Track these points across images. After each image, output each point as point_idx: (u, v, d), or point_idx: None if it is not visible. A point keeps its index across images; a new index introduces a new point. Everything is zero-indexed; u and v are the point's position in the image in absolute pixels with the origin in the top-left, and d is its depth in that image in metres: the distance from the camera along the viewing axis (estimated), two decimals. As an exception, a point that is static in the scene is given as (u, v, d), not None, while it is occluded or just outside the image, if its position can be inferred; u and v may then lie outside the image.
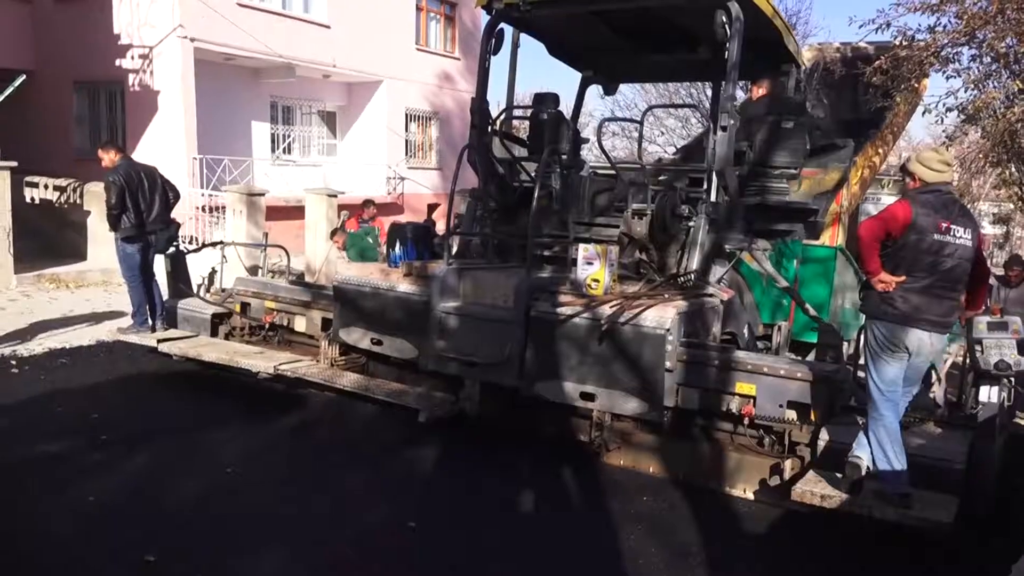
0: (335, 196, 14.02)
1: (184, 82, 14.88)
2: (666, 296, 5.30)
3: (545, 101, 7.07)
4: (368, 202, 13.06)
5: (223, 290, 7.66)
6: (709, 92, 12.92)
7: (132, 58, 15.23)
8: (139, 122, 15.32)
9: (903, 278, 3.98)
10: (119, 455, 5.16)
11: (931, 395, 6.27)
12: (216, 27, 15.05)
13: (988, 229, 28.91)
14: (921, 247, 3.93)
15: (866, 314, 4.26)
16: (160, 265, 7.57)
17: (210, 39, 15.15)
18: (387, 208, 18.88)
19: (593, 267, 5.35)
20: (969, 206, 15.15)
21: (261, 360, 6.40)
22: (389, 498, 4.79)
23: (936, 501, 4.09)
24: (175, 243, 7.68)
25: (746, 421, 4.87)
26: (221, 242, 8.91)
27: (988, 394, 4.42)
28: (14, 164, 11.61)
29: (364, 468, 5.25)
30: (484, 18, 7.35)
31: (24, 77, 12.77)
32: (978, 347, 4.37)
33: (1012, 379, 4.48)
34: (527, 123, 7.49)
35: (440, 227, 10.82)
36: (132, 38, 15.12)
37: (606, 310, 4.98)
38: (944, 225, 3.93)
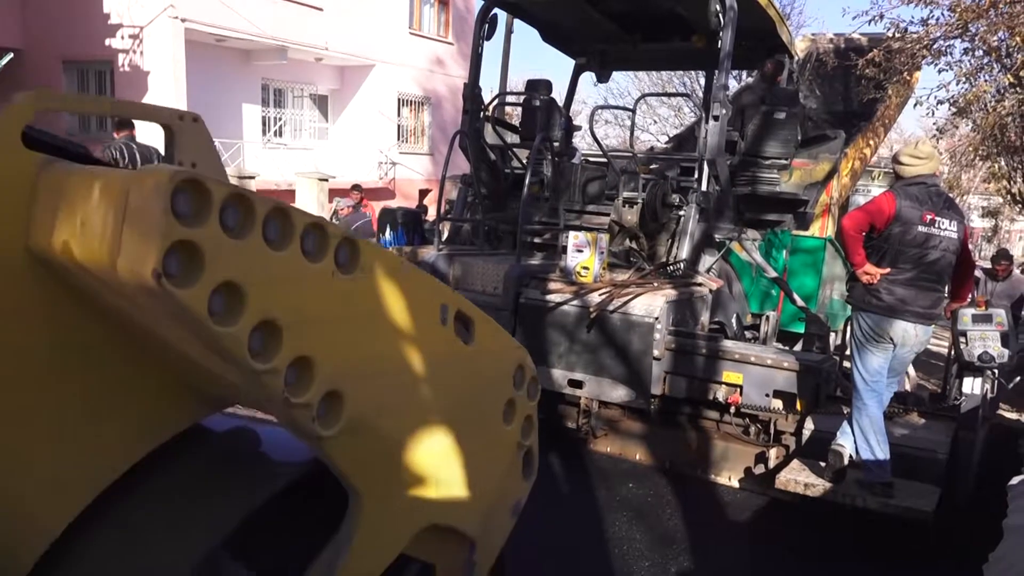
0: (326, 180, 14.00)
1: (174, 63, 14.76)
2: (655, 285, 5.31)
3: (538, 88, 7.05)
4: (356, 187, 13.05)
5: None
6: (702, 81, 12.91)
7: (122, 38, 15.09)
8: (129, 103, 15.20)
9: (888, 270, 4.01)
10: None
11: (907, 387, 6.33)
12: (208, 8, 14.92)
13: (977, 222, 29.09)
14: (906, 239, 3.95)
15: (852, 305, 4.29)
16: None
17: (201, 20, 15.03)
18: (378, 193, 18.83)
19: (583, 255, 5.36)
20: (958, 199, 15.24)
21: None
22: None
23: (918, 491, 4.13)
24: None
25: (732, 410, 4.90)
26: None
27: (971, 386, 4.46)
28: (1, 143, 11.50)
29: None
30: (478, 3, 7.32)
31: (11, 55, 12.64)
32: (962, 339, 4.40)
33: (995, 371, 4.52)
34: (519, 109, 7.47)
35: (431, 213, 10.80)
36: (122, 17, 14.97)
37: (595, 298, 5.00)
38: (929, 217, 3.95)
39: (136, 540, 1.42)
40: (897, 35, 9.86)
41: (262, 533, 1.48)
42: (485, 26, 6.75)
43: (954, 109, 10.49)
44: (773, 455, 4.79)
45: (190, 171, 1.09)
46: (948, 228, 3.98)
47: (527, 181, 5.64)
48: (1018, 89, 9.60)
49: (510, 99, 7.97)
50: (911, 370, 7.07)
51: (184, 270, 1.06)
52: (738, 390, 4.82)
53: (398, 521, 1.59)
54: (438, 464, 1.63)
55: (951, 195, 5.26)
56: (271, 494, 1.52)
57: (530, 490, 2.07)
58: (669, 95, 22.56)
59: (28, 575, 1.27)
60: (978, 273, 8.21)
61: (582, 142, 10.83)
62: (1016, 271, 9.63)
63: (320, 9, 17.75)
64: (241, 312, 1.13)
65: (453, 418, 1.66)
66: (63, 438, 1.30)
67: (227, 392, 1.54)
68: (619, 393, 4.98)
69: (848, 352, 4.58)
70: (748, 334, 6.59)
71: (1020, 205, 13.34)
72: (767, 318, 6.60)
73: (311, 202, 13.44)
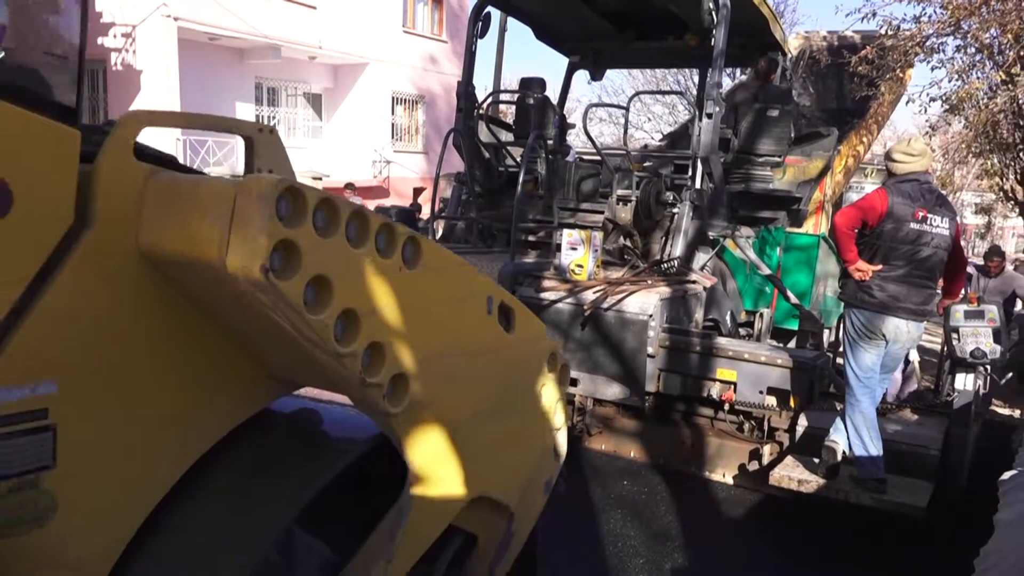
0: (320, 179, 13.98)
1: (167, 62, 14.72)
2: (649, 282, 5.32)
3: (532, 86, 7.05)
4: (349, 185, 13.05)
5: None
6: (696, 79, 12.92)
7: (114, 36, 15.03)
8: (121, 102, 15.15)
9: (880, 267, 4.02)
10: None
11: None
12: (201, 6, 14.88)
13: (970, 219, 29.18)
14: (898, 236, 3.96)
15: (845, 302, 4.30)
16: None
17: (195, 19, 14.98)
18: (373, 192, 18.81)
19: (577, 252, 5.36)
20: (951, 196, 15.28)
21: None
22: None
23: (911, 486, 4.15)
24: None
25: (726, 407, 4.91)
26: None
27: (964, 382, 4.48)
28: (-6, 143, 11.47)
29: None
30: (471, 0, 7.31)
31: (3, 54, 12.60)
32: (955, 335, 4.42)
33: (988, 367, 4.54)
34: (513, 108, 7.47)
35: (425, 211, 10.80)
36: (115, 16, 14.92)
37: (589, 295, 5.01)
38: (921, 214, 3.96)
39: (223, 510, 1.61)
40: (890, 32, 9.89)
41: (331, 503, 1.65)
42: (479, 24, 6.75)
43: (946, 106, 10.52)
44: (767, 452, 4.80)
45: (289, 179, 1.27)
46: (940, 225, 3.99)
47: (521, 179, 5.64)
48: (1010, 86, 9.62)
49: (504, 97, 7.97)
50: (914, 358, 7.04)
51: (285, 265, 1.26)
52: (732, 387, 4.83)
53: (451, 491, 1.79)
54: (485, 441, 1.85)
55: (943, 192, 5.27)
56: (339, 469, 1.69)
57: (560, 469, 2.30)
58: (663, 93, 22.59)
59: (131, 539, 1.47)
60: (970, 269, 8.24)
61: (576, 140, 10.83)
62: (1008, 267, 9.67)
63: (314, 7, 17.72)
64: (329, 302, 1.33)
65: (498, 400, 1.90)
66: (165, 417, 1.49)
67: (301, 376, 1.71)
68: (613, 391, 4.98)
69: (841, 349, 4.60)
70: (742, 331, 6.61)
71: (1012, 202, 13.37)
72: (761, 315, 6.61)
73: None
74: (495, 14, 6.93)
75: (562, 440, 2.25)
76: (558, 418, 2.19)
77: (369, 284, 1.43)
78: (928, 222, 3.96)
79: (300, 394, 1.86)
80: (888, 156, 4.21)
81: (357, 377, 1.43)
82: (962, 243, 4.42)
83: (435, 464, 1.70)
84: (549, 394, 2.13)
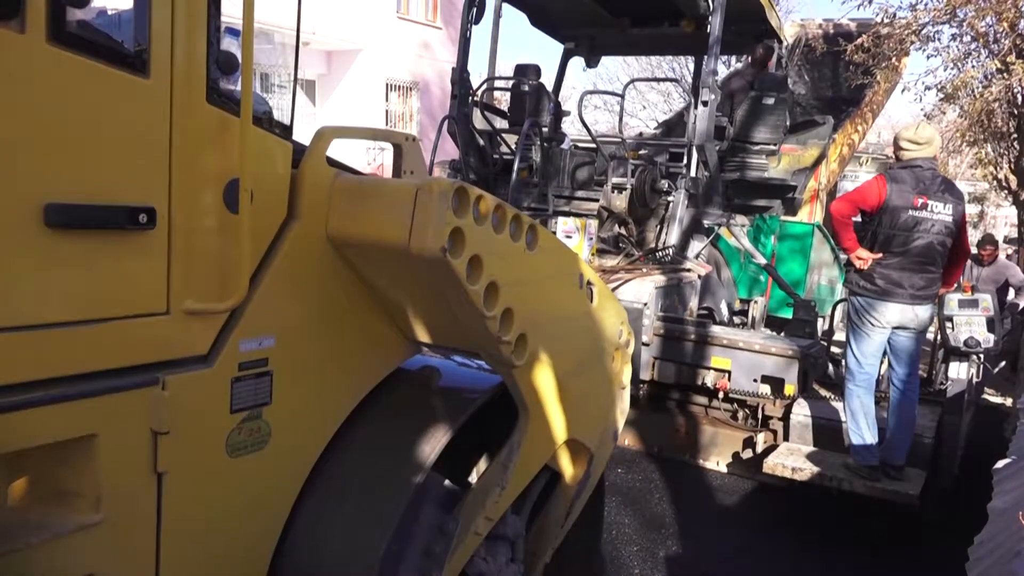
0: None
1: (159, 47, 14.58)
2: (644, 270, 5.31)
3: (526, 73, 7.00)
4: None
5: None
6: (692, 66, 12.87)
7: (105, 21, 14.90)
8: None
9: (880, 255, 3.99)
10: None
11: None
12: (192, -9, 14.74)
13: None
14: (895, 223, 3.93)
15: (848, 289, 4.29)
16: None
17: (186, 3, 14.85)
18: (366, 179, 18.71)
19: (572, 241, 5.35)
20: (945, 185, 15.20)
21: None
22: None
23: (904, 474, 4.16)
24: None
25: (721, 395, 4.92)
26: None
27: (957, 371, 4.48)
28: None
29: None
30: (466, -14, 7.23)
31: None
32: (949, 324, 4.42)
33: (981, 356, 4.54)
34: (508, 95, 7.42)
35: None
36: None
37: (584, 284, 4.99)
38: (920, 201, 3.92)
39: (379, 449, 2.04)
40: (886, 20, 9.86)
41: (458, 443, 2.07)
42: (473, 10, 6.69)
43: (941, 95, 10.50)
44: (761, 440, 4.82)
45: (458, 181, 1.67)
46: (943, 212, 3.94)
47: (516, 166, 5.61)
48: (1005, 75, 9.61)
49: (499, 84, 7.91)
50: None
51: (454, 247, 1.64)
52: (726, 375, 4.83)
53: (553, 432, 2.21)
54: (578, 391, 2.27)
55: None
56: (463, 418, 2.10)
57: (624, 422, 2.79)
58: (658, 80, 22.51)
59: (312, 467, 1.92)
60: (965, 258, 8.23)
61: (571, 128, 10.78)
62: (1001, 256, 9.69)
63: (307, -7, 17.57)
64: (480, 275, 1.72)
65: (586, 358, 2.36)
66: (341, 367, 1.96)
67: (443, 337, 2.11)
68: (608, 379, 4.98)
69: (836, 337, 4.60)
70: (736, 320, 6.61)
71: (1006, 191, 13.36)
72: (755, 304, 6.61)
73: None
74: (490, 0, 6.87)
75: (627, 397, 2.72)
76: (625, 378, 2.66)
77: (504, 262, 1.82)
78: (928, 208, 3.92)
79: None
80: (895, 142, 4.17)
81: (495, 336, 1.81)
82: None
83: (542, 408, 2.10)
84: (619, 358, 2.58)
